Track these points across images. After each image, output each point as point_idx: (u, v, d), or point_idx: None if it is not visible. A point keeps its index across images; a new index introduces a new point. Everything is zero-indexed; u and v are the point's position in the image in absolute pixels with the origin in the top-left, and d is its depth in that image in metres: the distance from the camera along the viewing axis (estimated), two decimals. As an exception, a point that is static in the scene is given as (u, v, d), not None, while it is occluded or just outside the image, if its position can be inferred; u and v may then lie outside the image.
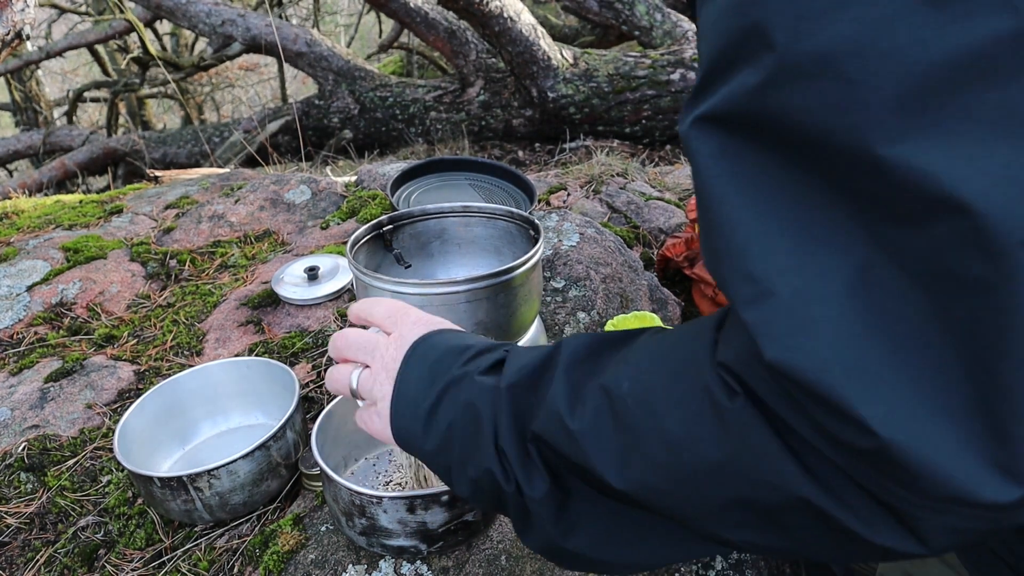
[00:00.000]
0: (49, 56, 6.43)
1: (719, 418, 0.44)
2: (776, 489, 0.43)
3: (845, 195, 0.39)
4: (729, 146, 0.42)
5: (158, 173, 2.85)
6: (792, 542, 0.46)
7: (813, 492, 0.42)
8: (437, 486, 0.93)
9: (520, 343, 1.17)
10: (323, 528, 1.01)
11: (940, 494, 0.37)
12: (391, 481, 1.06)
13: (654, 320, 1.35)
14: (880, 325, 0.38)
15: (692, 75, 4.33)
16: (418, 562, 0.94)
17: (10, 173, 7.07)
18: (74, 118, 7.57)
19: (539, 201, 2.10)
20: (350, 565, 0.94)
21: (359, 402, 0.69)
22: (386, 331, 0.68)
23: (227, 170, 2.71)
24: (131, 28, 6.32)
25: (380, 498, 0.87)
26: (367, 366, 0.67)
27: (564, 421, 0.52)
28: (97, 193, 3.40)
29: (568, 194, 2.14)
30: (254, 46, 5.29)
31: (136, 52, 6.28)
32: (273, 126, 5.18)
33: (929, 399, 0.37)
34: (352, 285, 1.58)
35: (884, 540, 0.42)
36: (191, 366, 1.31)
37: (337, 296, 1.57)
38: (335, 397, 1.18)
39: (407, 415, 0.61)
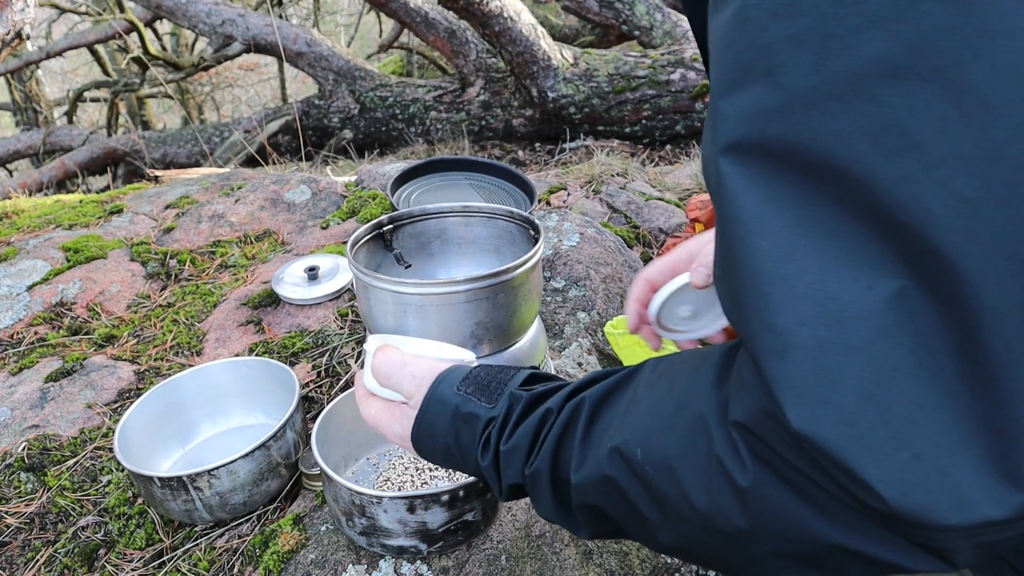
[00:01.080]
0: (49, 56, 6.43)
1: (738, 495, 0.44)
2: (810, 543, 0.43)
3: (880, 221, 0.37)
4: (754, 175, 0.40)
5: (158, 173, 2.86)
6: (842, 574, 0.46)
7: (847, 539, 0.42)
8: (437, 486, 0.93)
9: (520, 343, 1.17)
10: (323, 528, 1.01)
11: (959, 527, 0.37)
12: (391, 481, 1.06)
13: None
14: (909, 366, 0.37)
15: (692, 75, 4.33)
16: (418, 562, 0.94)
17: (10, 173, 7.06)
18: (74, 118, 7.57)
19: (539, 201, 2.10)
20: (350, 565, 0.94)
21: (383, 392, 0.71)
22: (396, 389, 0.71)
23: (227, 170, 2.71)
24: (131, 28, 6.32)
25: (380, 498, 0.87)
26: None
27: (595, 503, 0.54)
28: (97, 193, 3.40)
29: (568, 194, 2.14)
30: (254, 46, 5.29)
31: (136, 52, 6.28)
32: (273, 126, 5.18)
33: (953, 437, 0.37)
34: (352, 285, 1.58)
35: (922, 567, 0.41)
36: (191, 366, 1.31)
37: (337, 296, 1.57)
38: (335, 397, 1.18)
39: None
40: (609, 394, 0.57)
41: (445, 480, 1.04)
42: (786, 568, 0.47)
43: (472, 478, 0.88)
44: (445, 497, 0.88)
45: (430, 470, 1.06)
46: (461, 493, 0.88)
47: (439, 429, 0.63)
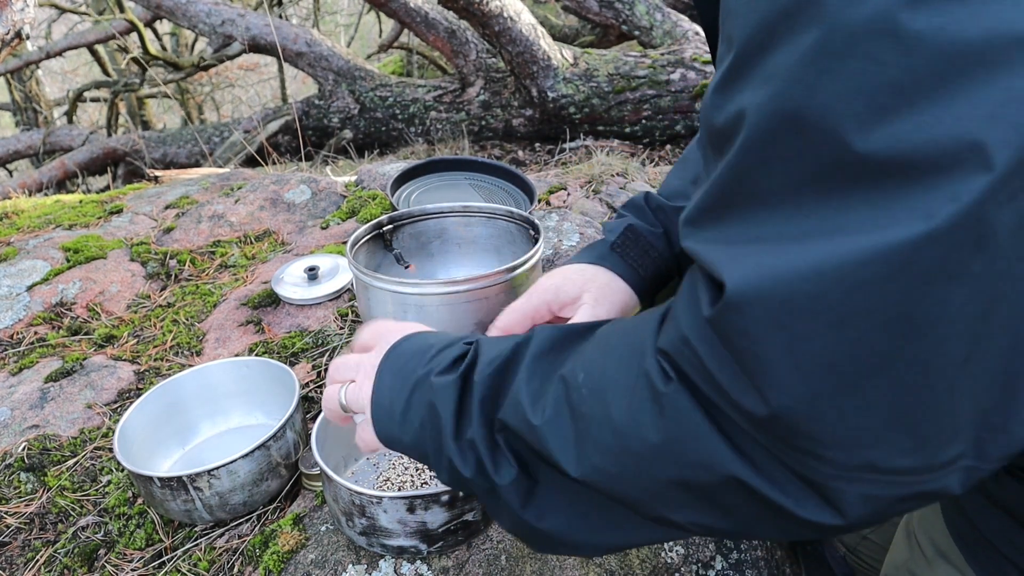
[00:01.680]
0: (49, 56, 6.43)
1: (656, 403, 0.47)
2: (709, 469, 0.46)
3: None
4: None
5: (158, 173, 2.86)
6: (732, 522, 0.49)
7: (743, 471, 0.45)
8: (437, 486, 0.93)
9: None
10: (323, 528, 1.01)
11: (847, 463, 0.41)
12: (390, 481, 1.06)
13: None
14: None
15: (692, 75, 4.33)
16: (418, 562, 0.94)
17: (10, 173, 7.07)
18: (74, 118, 7.57)
19: (539, 201, 2.10)
20: (350, 565, 0.94)
21: (356, 419, 0.71)
22: (370, 349, 0.72)
23: (227, 170, 2.71)
24: (131, 28, 6.32)
25: (380, 498, 0.87)
26: (354, 381, 0.70)
27: (526, 414, 0.54)
28: (97, 193, 3.40)
29: (568, 194, 2.14)
30: (254, 46, 5.29)
31: (136, 52, 6.28)
32: (273, 126, 5.18)
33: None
34: (352, 285, 1.58)
35: (809, 515, 0.44)
36: (191, 366, 1.31)
37: (337, 296, 1.57)
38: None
39: (385, 420, 0.65)
40: (568, 338, 0.60)
41: None
42: (681, 502, 0.49)
43: None
44: (445, 497, 0.88)
45: (430, 471, 1.06)
46: (461, 493, 0.88)
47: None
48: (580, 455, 0.52)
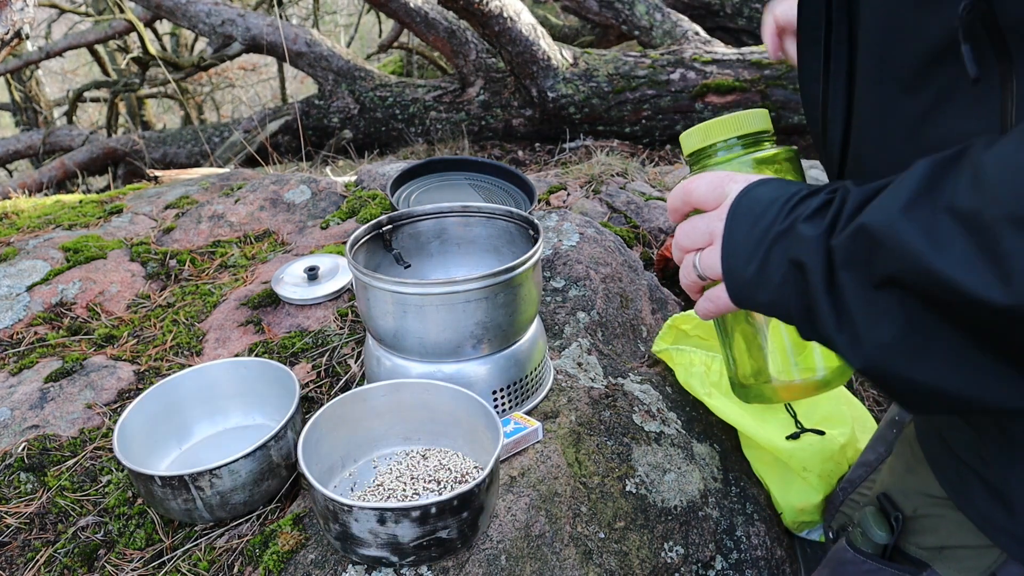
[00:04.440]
0: (49, 56, 6.42)
1: None
2: None
3: None
4: None
5: (158, 173, 2.86)
6: None
7: None
8: (410, 502, 0.92)
9: (520, 343, 1.17)
10: (323, 528, 1.01)
11: None
12: (383, 486, 1.04)
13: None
14: None
15: (692, 75, 4.33)
16: (418, 562, 0.94)
17: (10, 173, 7.06)
18: (74, 118, 7.56)
19: (539, 201, 2.10)
20: (350, 565, 0.94)
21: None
22: (712, 208, 0.66)
23: (227, 170, 2.71)
24: (131, 28, 6.32)
25: (351, 507, 0.86)
26: (710, 245, 0.65)
27: (927, 261, 0.49)
28: (97, 193, 3.40)
29: (568, 194, 2.14)
30: (254, 46, 5.29)
31: (136, 52, 6.28)
32: (273, 126, 5.18)
33: None
34: (352, 285, 1.58)
35: None
36: (191, 366, 1.31)
37: (337, 296, 1.58)
38: (335, 397, 1.18)
39: (738, 280, 0.61)
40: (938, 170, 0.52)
41: (434, 495, 1.01)
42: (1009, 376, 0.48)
43: (447, 497, 0.86)
44: (416, 513, 0.86)
45: (424, 481, 1.04)
46: (433, 510, 0.86)
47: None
48: (1007, 281, 0.46)
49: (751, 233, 0.60)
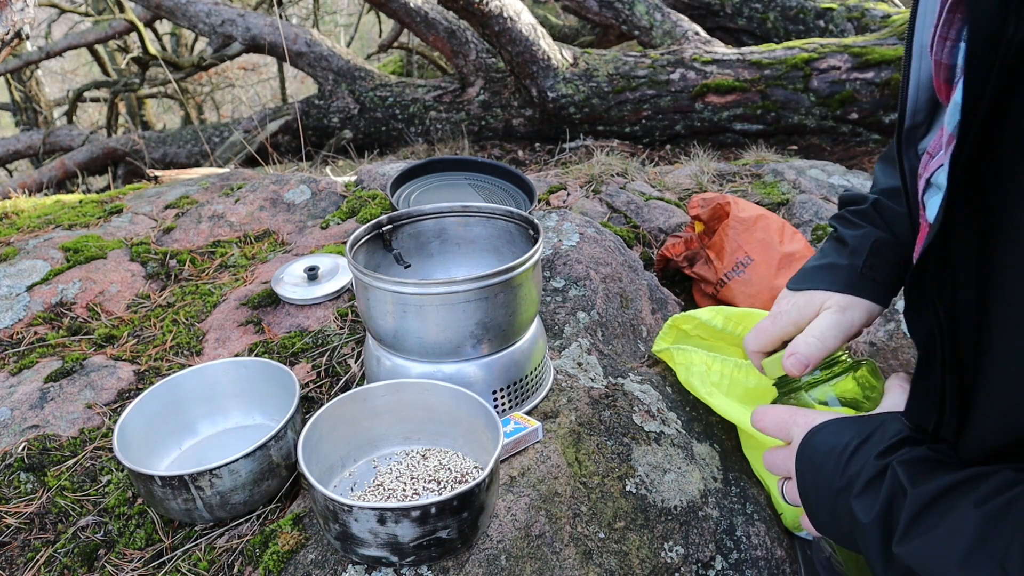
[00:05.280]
0: (49, 56, 6.43)
1: None
2: None
3: None
4: None
5: (158, 173, 2.86)
6: None
7: None
8: (409, 502, 0.92)
9: (520, 343, 1.17)
10: (323, 528, 1.01)
11: None
12: (383, 486, 1.04)
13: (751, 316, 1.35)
14: None
15: (692, 75, 4.33)
16: (418, 562, 0.94)
17: (10, 173, 7.07)
18: (74, 118, 7.56)
19: (539, 201, 2.10)
20: (350, 565, 0.94)
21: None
22: (785, 441, 0.80)
23: (227, 170, 2.71)
24: (131, 28, 6.32)
25: (351, 507, 0.86)
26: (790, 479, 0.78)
27: None
28: (97, 193, 3.40)
29: (568, 194, 2.14)
30: (254, 46, 5.29)
31: (136, 52, 6.28)
32: (273, 126, 5.18)
33: None
34: (352, 285, 1.58)
35: None
36: (191, 366, 1.31)
37: (337, 296, 1.58)
38: (335, 397, 1.18)
39: (815, 520, 0.73)
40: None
41: (434, 495, 1.01)
42: None
43: (447, 497, 0.86)
44: (416, 513, 0.86)
45: (424, 481, 1.04)
46: (433, 510, 0.86)
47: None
48: None
49: (816, 482, 0.70)
